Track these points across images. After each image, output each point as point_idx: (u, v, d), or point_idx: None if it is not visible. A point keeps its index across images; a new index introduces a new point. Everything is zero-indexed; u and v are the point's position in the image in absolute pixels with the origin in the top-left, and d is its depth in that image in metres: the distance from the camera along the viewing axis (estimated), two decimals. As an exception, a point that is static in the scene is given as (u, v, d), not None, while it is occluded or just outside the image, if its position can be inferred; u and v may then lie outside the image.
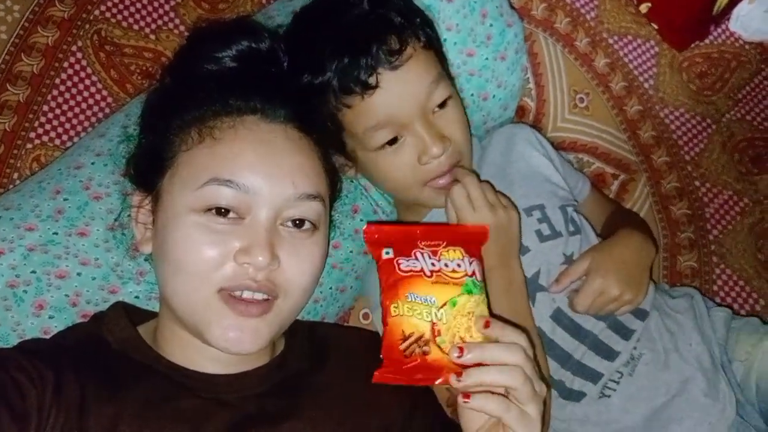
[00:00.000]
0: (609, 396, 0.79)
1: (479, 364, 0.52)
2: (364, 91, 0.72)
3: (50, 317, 0.70)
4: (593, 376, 0.79)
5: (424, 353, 0.54)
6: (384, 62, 0.71)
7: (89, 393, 0.57)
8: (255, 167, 0.59)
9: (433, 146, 0.74)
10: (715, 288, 1.08)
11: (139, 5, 1.00)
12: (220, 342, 0.58)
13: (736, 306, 1.08)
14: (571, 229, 0.82)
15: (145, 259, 0.71)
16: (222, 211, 0.58)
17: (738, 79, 1.24)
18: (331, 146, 0.75)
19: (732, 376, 0.81)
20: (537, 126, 1.11)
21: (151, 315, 0.69)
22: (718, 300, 1.07)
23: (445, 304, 0.55)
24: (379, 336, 0.73)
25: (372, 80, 0.71)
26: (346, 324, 0.93)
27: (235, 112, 0.62)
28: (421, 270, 0.56)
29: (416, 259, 0.57)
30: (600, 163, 1.13)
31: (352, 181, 0.85)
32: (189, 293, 0.58)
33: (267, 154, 0.60)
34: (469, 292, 0.56)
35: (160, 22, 1.00)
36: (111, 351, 0.62)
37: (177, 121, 0.63)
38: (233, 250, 0.57)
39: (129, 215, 0.67)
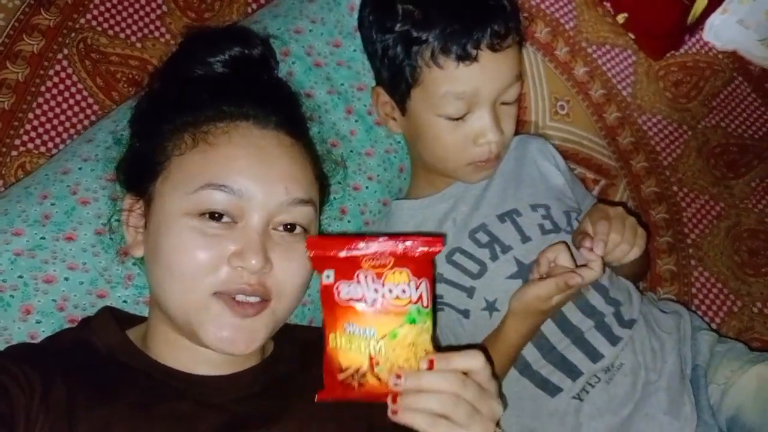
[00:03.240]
0: (582, 400, 0.80)
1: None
2: (463, 59, 0.76)
3: (37, 322, 0.69)
4: (573, 373, 0.80)
5: (360, 384, 0.53)
6: (489, 41, 0.77)
7: (78, 398, 0.56)
8: (249, 172, 0.60)
9: (492, 132, 0.80)
10: (694, 291, 1.11)
11: (125, 14, 1.01)
12: (215, 341, 0.58)
13: (714, 308, 1.11)
14: (572, 228, 0.84)
15: (134, 263, 0.71)
16: (216, 216, 0.59)
17: (712, 87, 1.28)
18: (394, 95, 0.83)
19: (706, 398, 0.82)
20: (523, 132, 1.13)
21: (140, 319, 0.69)
22: (696, 302, 1.10)
23: (384, 336, 0.52)
24: None
25: (474, 53, 0.76)
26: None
27: (228, 118, 0.63)
28: (362, 298, 0.53)
29: (358, 283, 0.53)
30: (581, 168, 1.15)
31: (340, 183, 0.86)
32: (183, 295, 0.58)
33: (260, 159, 0.61)
34: (412, 322, 0.53)
35: (146, 30, 1.01)
36: (100, 356, 0.62)
37: (169, 126, 0.63)
38: (227, 253, 0.58)
39: (118, 219, 0.67)
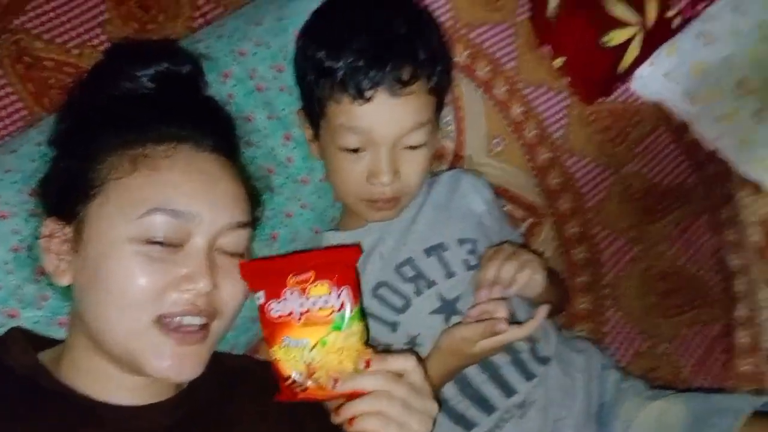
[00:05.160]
0: None
1: (355, 393, 0.58)
2: (357, 98, 0.77)
3: (-58, 340, 0.67)
4: (488, 408, 0.84)
5: (303, 390, 0.59)
6: (388, 85, 0.77)
7: None
8: (196, 196, 0.60)
9: (384, 174, 0.80)
10: (606, 329, 1.17)
11: (63, 18, 0.98)
12: (160, 370, 0.58)
13: (624, 347, 1.17)
14: None
15: (49, 284, 0.69)
16: (162, 240, 0.58)
17: (637, 134, 1.36)
18: (310, 120, 0.86)
19: None
20: (458, 166, 1.16)
21: (52, 342, 0.68)
22: (608, 340, 1.16)
23: (316, 345, 0.58)
24: None
25: (369, 94, 0.77)
26: (256, 355, 0.93)
27: (168, 140, 0.62)
28: (291, 313, 0.59)
29: (286, 299, 0.59)
30: (511, 205, 1.20)
31: (272, 209, 0.87)
32: (127, 324, 0.58)
33: (205, 182, 0.62)
34: (337, 329, 0.58)
35: (85, 37, 0.99)
36: (14, 378, 0.60)
37: (103, 146, 0.62)
38: (176, 276, 0.58)
39: (38, 237, 0.65)
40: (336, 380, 0.58)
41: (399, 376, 0.59)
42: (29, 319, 0.70)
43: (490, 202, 0.98)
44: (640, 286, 1.22)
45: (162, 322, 0.58)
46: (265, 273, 0.61)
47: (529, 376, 0.86)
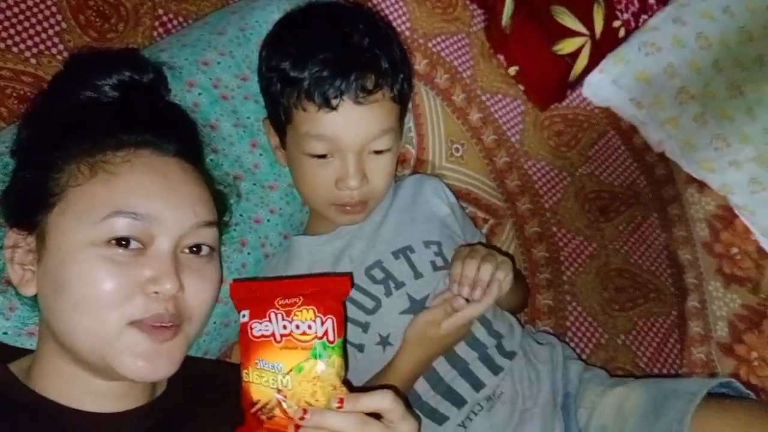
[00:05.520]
0: (466, 427, 0.85)
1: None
2: (323, 107, 0.79)
3: None
4: (458, 402, 0.86)
5: (269, 418, 0.56)
6: (352, 93, 0.79)
7: None
8: (156, 198, 0.60)
9: (351, 179, 0.82)
10: (568, 324, 1.21)
11: (20, 27, 0.97)
12: (135, 370, 0.58)
13: (585, 340, 1.21)
14: None
15: (16, 294, 0.68)
16: (123, 243, 0.58)
17: (588, 138, 1.42)
18: (276, 129, 0.87)
19: (575, 422, 0.90)
20: (420, 172, 1.19)
21: (22, 352, 0.66)
22: (570, 334, 1.20)
23: (291, 370, 0.56)
24: None
25: (334, 102, 0.79)
26: (228, 359, 0.93)
27: (127, 147, 0.62)
28: (272, 334, 0.57)
29: (269, 321, 0.58)
30: (472, 207, 1.23)
31: (241, 215, 0.87)
32: (95, 328, 0.57)
33: (166, 184, 0.62)
34: (316, 356, 0.57)
35: (42, 46, 0.97)
36: None
37: (61, 155, 0.62)
38: (141, 279, 0.58)
39: (0, 247, 0.64)
40: (305, 411, 0.55)
41: (374, 415, 0.56)
42: (-4, 330, 0.69)
43: (453, 205, 1.01)
44: (597, 282, 1.27)
45: (133, 325, 0.58)
46: (253, 293, 0.60)
47: (496, 370, 0.88)
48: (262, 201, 0.91)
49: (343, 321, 0.60)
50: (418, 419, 0.65)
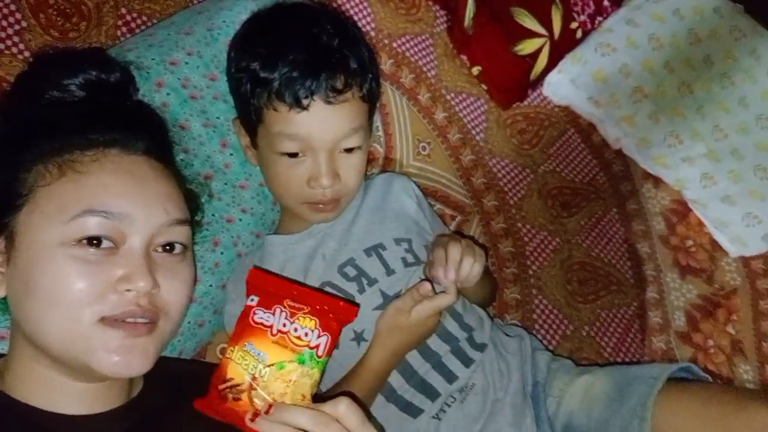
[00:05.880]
0: (440, 419, 0.87)
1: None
2: (294, 106, 0.80)
3: None
4: (432, 394, 0.88)
5: (235, 400, 0.58)
6: (323, 93, 0.80)
7: None
8: (127, 196, 0.60)
9: (324, 177, 0.83)
10: (534, 316, 1.24)
11: (-23, 27, 0.94)
12: (109, 366, 0.57)
13: (551, 332, 1.25)
14: None
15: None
16: (95, 242, 0.58)
17: (549, 136, 1.46)
18: (246, 128, 0.87)
19: (545, 410, 0.93)
20: (389, 170, 1.21)
21: (-8, 356, 0.65)
22: (537, 326, 1.23)
23: (272, 365, 0.58)
24: None
25: (305, 102, 0.80)
26: (203, 360, 0.93)
27: (96, 146, 0.62)
28: (270, 326, 0.60)
29: (273, 314, 0.60)
30: (440, 205, 1.25)
31: (213, 215, 0.87)
32: (67, 327, 0.56)
33: (136, 183, 0.61)
34: (301, 362, 0.59)
35: (2, 45, 0.95)
36: None
37: (28, 155, 0.61)
38: (113, 278, 0.57)
39: None
40: (270, 406, 0.57)
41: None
42: (-35, 335, 0.67)
43: (421, 202, 1.03)
44: (562, 275, 1.31)
45: (105, 321, 0.57)
46: (268, 286, 0.63)
47: (467, 362, 0.91)
48: (233, 200, 0.91)
49: (334, 345, 0.62)
50: (381, 428, 0.66)
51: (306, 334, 0.60)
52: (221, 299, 0.89)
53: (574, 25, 1.47)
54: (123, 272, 0.58)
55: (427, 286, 0.79)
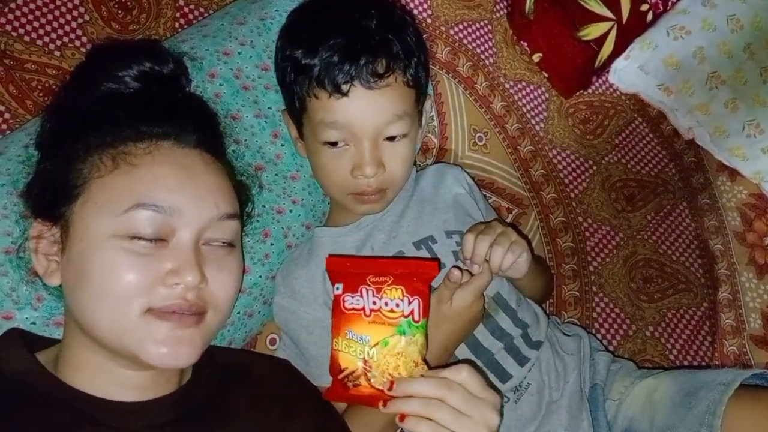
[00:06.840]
0: None
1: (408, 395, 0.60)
2: (334, 92, 0.78)
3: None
4: None
5: (355, 386, 0.61)
6: (363, 78, 0.78)
7: None
8: (178, 190, 0.60)
9: (367, 166, 0.80)
10: (594, 315, 1.19)
11: (43, 20, 0.97)
12: (158, 357, 0.58)
13: (612, 331, 1.19)
14: None
15: (43, 285, 0.69)
16: (146, 236, 0.58)
17: (615, 125, 1.39)
18: (293, 119, 0.86)
19: (603, 414, 0.89)
20: (443, 161, 1.18)
21: (50, 341, 0.67)
22: (597, 325, 1.18)
23: (377, 344, 0.61)
24: (288, 363, 0.80)
25: (345, 88, 0.78)
26: (252, 350, 0.93)
27: (149, 138, 0.62)
28: (362, 309, 0.62)
29: (361, 296, 0.63)
30: (496, 197, 1.21)
31: (264, 206, 0.87)
32: (117, 319, 0.58)
33: (187, 177, 0.62)
34: (402, 333, 0.61)
35: (66, 39, 0.98)
36: (7, 381, 0.60)
37: (83, 147, 0.62)
38: (162, 272, 0.58)
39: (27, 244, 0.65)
40: (392, 383, 0.60)
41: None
42: (25, 320, 0.70)
43: (475, 194, 1.00)
44: (625, 273, 1.25)
45: (153, 312, 0.58)
46: (347, 269, 0.65)
47: (522, 360, 0.87)
48: (284, 192, 0.91)
49: (428, 303, 0.64)
50: (501, 395, 0.67)
51: (397, 305, 0.61)
52: (271, 290, 0.89)
53: (644, 7, 1.38)
54: (172, 266, 0.58)
55: (456, 272, 0.75)
